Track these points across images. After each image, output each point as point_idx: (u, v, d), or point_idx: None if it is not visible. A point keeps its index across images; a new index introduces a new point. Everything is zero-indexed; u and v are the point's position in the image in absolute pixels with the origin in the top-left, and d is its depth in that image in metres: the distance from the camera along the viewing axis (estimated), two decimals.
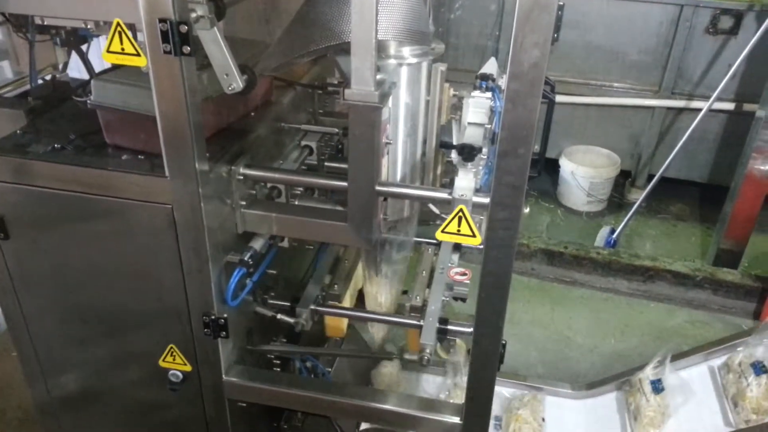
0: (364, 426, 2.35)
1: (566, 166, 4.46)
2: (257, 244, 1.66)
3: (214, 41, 1.36)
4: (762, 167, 3.58)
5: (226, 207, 1.59)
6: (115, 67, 1.61)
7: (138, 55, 1.32)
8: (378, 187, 1.48)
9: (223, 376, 1.76)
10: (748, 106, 4.03)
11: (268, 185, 1.69)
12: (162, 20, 1.24)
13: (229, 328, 1.66)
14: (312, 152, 1.90)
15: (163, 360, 1.75)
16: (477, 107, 1.63)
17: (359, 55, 1.29)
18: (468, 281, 1.87)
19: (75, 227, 1.60)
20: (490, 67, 1.78)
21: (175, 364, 1.75)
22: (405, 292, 2.04)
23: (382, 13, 1.38)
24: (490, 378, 1.60)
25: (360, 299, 2.11)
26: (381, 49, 1.49)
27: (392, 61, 1.54)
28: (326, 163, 1.93)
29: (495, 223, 1.35)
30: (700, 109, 3.85)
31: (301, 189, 1.75)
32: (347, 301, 2.03)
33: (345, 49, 1.39)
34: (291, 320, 1.83)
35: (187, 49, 1.28)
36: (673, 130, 4.34)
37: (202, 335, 1.67)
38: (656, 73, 4.25)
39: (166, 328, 1.70)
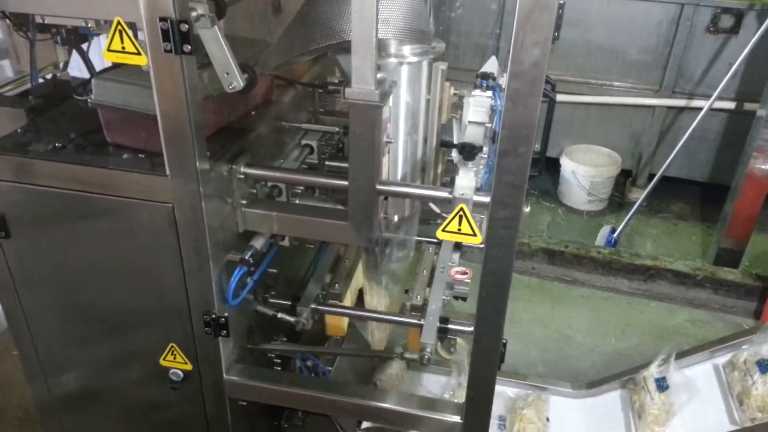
0: (364, 425, 2.35)
1: (567, 165, 4.46)
2: (258, 243, 1.66)
3: (214, 40, 1.36)
4: (763, 166, 3.57)
5: (227, 206, 1.59)
6: (116, 66, 1.61)
7: (138, 53, 1.32)
8: (379, 186, 1.48)
9: (224, 374, 1.76)
10: (748, 105, 4.02)
11: (269, 184, 1.69)
12: (162, 19, 1.24)
13: (229, 326, 1.66)
14: (312, 151, 1.90)
15: (164, 359, 1.75)
16: (477, 106, 1.63)
17: (360, 53, 1.29)
18: (468, 280, 1.87)
19: (76, 226, 1.60)
20: (491, 65, 1.78)
21: (176, 363, 1.76)
22: (406, 291, 2.04)
23: (382, 12, 1.38)
24: (491, 377, 1.60)
25: (360, 298, 2.11)
26: (381, 47, 1.49)
27: (393, 60, 1.54)
28: (327, 162, 1.93)
29: (495, 222, 1.35)
30: (700, 108, 3.84)
31: (301, 188, 1.75)
32: (348, 300, 2.03)
33: (345, 47, 1.39)
34: (291, 319, 1.83)
35: (187, 47, 1.28)
36: (674, 129, 4.33)
37: (202, 334, 1.67)
38: (657, 72, 4.24)
39: (166, 327, 1.70)
